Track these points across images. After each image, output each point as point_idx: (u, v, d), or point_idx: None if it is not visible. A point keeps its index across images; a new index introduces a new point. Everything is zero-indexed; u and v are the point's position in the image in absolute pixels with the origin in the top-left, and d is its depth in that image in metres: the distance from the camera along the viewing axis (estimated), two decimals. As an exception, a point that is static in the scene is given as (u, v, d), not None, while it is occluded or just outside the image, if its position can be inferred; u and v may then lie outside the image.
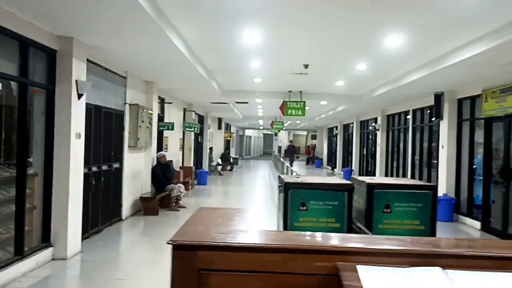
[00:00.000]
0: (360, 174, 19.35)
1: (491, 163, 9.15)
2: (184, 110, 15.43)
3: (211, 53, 8.45)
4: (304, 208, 3.92)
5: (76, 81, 6.15)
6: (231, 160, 25.77)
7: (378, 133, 16.89)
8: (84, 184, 6.66)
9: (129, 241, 8.03)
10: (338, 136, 26.00)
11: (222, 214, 2.47)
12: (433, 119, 10.81)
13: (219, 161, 23.13)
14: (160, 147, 11.89)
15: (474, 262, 1.67)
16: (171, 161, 12.08)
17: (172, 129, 12.09)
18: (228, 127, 30.47)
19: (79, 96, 6.25)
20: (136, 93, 9.67)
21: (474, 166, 9.79)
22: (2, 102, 5.35)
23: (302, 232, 2.11)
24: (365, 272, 1.73)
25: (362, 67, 9.19)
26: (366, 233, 3.44)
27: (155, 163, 10.77)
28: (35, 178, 5.87)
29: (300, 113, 12.77)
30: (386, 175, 16.07)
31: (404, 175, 14.04)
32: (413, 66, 8.73)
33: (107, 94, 8.13)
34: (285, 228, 3.84)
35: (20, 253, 5.36)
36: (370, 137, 19.32)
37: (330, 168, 26.99)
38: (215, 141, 24.19)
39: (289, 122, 28.52)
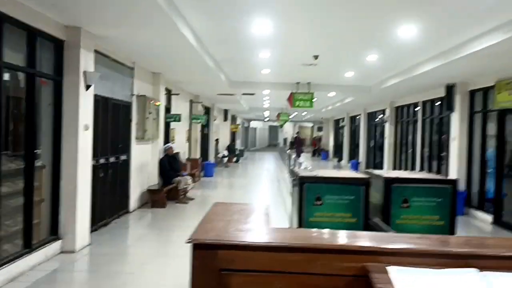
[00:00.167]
0: (367, 167, 19.22)
1: (503, 155, 9.00)
2: (191, 101, 15.32)
3: (220, 44, 8.32)
4: (320, 202, 3.81)
5: (84, 72, 6.06)
6: (237, 152, 25.67)
7: (386, 125, 16.71)
8: (92, 176, 6.60)
9: (136, 234, 7.98)
10: (345, 128, 25.82)
11: (239, 210, 2.38)
12: (447, 111, 10.61)
13: (225, 153, 23.02)
14: (167, 139, 11.81)
15: None
16: (178, 153, 12.00)
17: (179, 120, 11.99)
18: (234, 118, 30.34)
19: (87, 87, 6.16)
20: (143, 84, 9.57)
21: (486, 159, 9.64)
22: (10, 94, 5.26)
23: (327, 230, 2.00)
24: (396, 273, 1.64)
25: (373, 58, 9.02)
26: (384, 229, 3.33)
27: (162, 155, 10.70)
28: (43, 170, 5.81)
29: (308, 104, 12.60)
30: (394, 168, 15.92)
31: (413, 168, 13.89)
32: (426, 56, 8.56)
33: (115, 85, 8.03)
34: (300, 223, 3.74)
35: (28, 246, 5.31)
36: (378, 129, 19.15)
37: (336, 160, 26.84)
38: (221, 133, 24.07)
39: (295, 113, 28.30)
